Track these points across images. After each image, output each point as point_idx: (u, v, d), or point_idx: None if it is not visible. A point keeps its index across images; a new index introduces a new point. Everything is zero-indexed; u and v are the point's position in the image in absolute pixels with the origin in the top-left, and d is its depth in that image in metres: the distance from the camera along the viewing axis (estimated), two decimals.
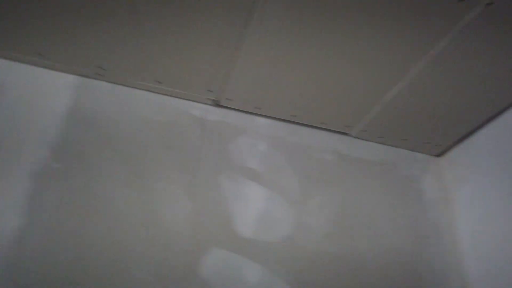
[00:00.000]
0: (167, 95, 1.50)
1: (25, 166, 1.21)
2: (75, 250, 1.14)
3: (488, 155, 1.52)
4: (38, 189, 1.19)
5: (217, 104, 1.55)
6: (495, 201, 1.44)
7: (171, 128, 1.45)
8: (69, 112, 1.34)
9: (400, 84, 1.38)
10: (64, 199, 1.21)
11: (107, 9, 1.16)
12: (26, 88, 1.33)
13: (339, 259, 1.39)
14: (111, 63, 1.37)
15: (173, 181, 1.35)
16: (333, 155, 1.61)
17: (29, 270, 1.09)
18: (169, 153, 1.40)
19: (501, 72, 1.32)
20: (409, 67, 1.31)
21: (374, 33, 1.20)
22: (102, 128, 1.36)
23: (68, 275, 1.11)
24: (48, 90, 1.35)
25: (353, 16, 1.15)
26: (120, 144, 1.35)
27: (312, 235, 1.41)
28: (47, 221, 1.16)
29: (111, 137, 1.35)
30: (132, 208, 1.26)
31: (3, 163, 1.20)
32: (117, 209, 1.24)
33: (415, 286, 1.43)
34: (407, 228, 1.54)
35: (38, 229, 1.14)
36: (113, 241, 1.19)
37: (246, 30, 1.21)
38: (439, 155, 1.77)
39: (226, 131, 1.52)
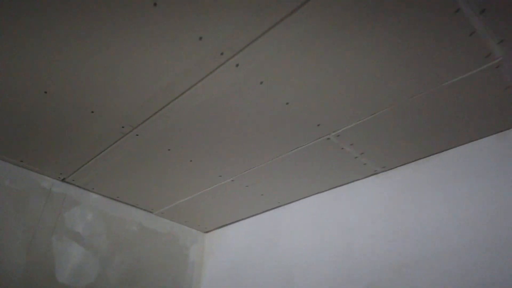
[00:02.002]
0: (26, 168, 2.03)
1: None
2: None
3: (231, 241, 2.59)
4: None
5: (63, 180, 2.16)
6: (224, 270, 2.49)
7: (22, 195, 1.99)
8: None
9: (191, 195, 2.29)
10: None
11: None
12: None
13: None
14: None
15: (16, 238, 1.91)
16: (137, 227, 2.42)
17: None
18: (16, 215, 1.94)
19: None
20: (213, 183, 2.24)
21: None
22: None
23: None
24: None
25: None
26: None
27: (112, 282, 2.17)
28: None
29: None
30: None
31: None
32: None
33: None
34: (172, 280, 2.46)
35: None
36: None
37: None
38: (206, 232, 2.79)
39: (65, 202, 2.15)
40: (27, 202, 2.01)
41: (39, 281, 1.92)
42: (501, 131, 1.61)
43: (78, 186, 2.22)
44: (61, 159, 1.97)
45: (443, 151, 1.76)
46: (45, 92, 1.53)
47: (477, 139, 1.66)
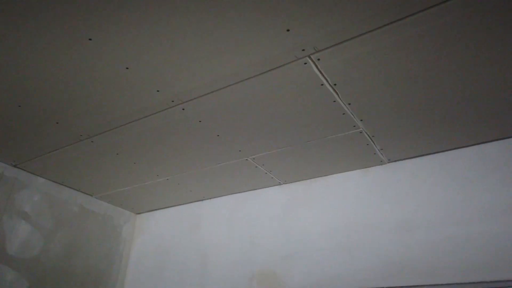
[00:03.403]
0: None
1: None
2: None
3: (159, 223, 3.07)
4: None
5: (15, 166, 2.45)
6: (151, 247, 2.98)
7: None
8: None
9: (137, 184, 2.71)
10: None
11: None
12: None
13: (68, 270, 2.58)
14: None
15: None
16: (78, 208, 2.79)
17: None
18: None
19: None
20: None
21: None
22: None
23: None
24: None
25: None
26: None
27: (54, 254, 2.55)
28: None
29: None
30: None
31: None
32: None
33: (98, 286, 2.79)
34: (106, 254, 2.89)
35: None
36: None
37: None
38: (138, 213, 3.23)
39: (16, 185, 2.45)
40: None
41: None
42: (365, 168, 2.30)
43: (27, 171, 2.52)
44: (18, 150, 2.27)
45: (325, 176, 2.42)
46: (19, 106, 1.85)
47: (348, 171, 2.34)
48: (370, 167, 2.30)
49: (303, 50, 1.44)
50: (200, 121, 1.92)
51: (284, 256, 2.34)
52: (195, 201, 2.95)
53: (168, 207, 3.09)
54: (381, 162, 2.24)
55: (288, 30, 1.36)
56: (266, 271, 2.37)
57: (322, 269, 2.18)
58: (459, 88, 1.60)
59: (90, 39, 1.44)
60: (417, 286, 1.91)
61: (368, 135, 1.97)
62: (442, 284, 1.84)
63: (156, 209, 3.15)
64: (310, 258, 2.25)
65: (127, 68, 1.58)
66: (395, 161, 2.22)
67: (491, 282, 1.72)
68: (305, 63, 1.51)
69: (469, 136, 1.95)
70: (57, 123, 1.98)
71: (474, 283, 1.77)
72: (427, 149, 2.09)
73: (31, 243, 2.47)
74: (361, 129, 1.92)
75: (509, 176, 1.86)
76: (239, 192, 2.76)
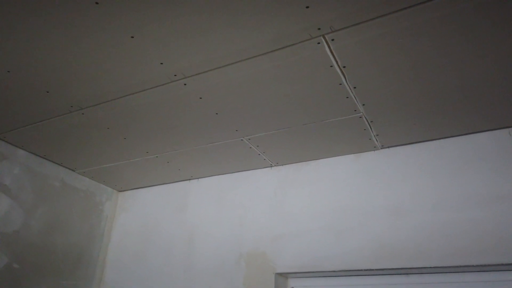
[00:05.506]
0: None
1: None
2: None
3: (143, 201, 3.00)
4: None
5: None
6: (135, 225, 2.92)
7: None
8: None
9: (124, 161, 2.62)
10: None
11: None
12: None
13: (49, 246, 2.49)
14: None
15: None
16: (59, 183, 2.69)
17: None
18: None
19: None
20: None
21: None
22: None
23: None
24: None
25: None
26: None
27: (34, 230, 2.45)
28: None
29: None
30: None
31: None
32: None
33: (79, 263, 2.71)
34: (87, 231, 2.81)
35: None
36: None
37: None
38: (120, 191, 3.15)
39: None
40: None
41: None
42: (358, 153, 2.33)
43: (7, 142, 2.38)
44: (1, 119, 2.14)
45: (317, 159, 2.43)
46: (8, 72, 1.73)
47: (340, 155, 2.37)
48: (362, 152, 2.33)
49: (319, 29, 1.42)
50: (200, 98, 1.87)
51: (274, 237, 2.35)
52: (181, 181, 2.90)
53: (153, 185, 3.02)
54: (374, 148, 2.28)
55: (307, 7, 1.33)
56: (255, 252, 2.38)
57: (312, 251, 2.21)
58: (459, 78, 1.64)
59: (96, 3, 1.35)
60: (405, 268, 1.98)
61: (367, 120, 1.99)
62: (430, 267, 1.91)
63: (140, 187, 3.07)
64: (300, 240, 2.27)
65: (132, 37, 1.50)
66: (388, 147, 2.26)
67: (478, 266, 1.81)
68: (318, 43, 1.49)
69: (462, 125, 2.00)
70: (48, 92, 1.87)
71: (461, 266, 1.85)
72: (420, 137, 2.13)
73: (11, 217, 2.35)
74: (361, 113, 1.93)
75: (499, 165, 1.93)
76: (228, 173, 2.73)
